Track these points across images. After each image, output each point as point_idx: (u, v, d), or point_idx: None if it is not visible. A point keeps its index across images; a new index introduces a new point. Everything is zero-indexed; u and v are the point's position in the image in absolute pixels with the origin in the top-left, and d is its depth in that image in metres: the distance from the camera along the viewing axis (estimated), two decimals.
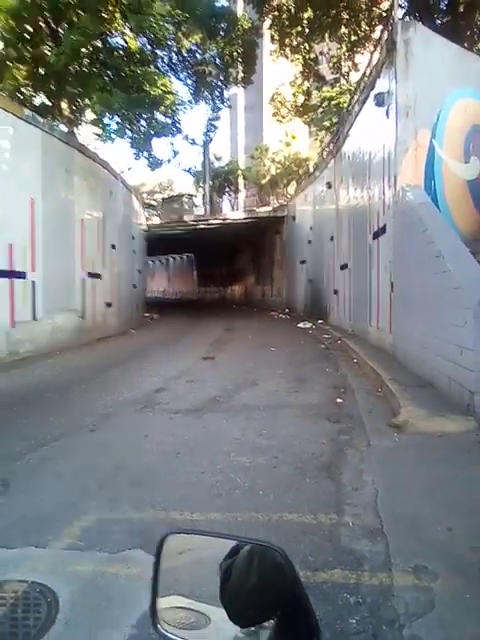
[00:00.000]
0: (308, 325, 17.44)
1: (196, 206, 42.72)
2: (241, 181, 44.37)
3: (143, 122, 16.05)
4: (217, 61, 20.69)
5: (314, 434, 5.20)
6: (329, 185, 17.18)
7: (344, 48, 20.76)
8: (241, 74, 21.90)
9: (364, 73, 13.53)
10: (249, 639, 0.82)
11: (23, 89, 17.82)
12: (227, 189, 44.13)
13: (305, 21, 19.42)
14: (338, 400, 6.71)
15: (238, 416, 6.03)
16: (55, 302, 12.93)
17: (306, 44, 20.90)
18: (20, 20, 14.38)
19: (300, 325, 17.68)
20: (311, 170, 24.14)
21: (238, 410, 6.36)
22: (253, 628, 0.82)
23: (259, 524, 3.20)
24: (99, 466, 4.33)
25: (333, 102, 26.00)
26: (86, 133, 22.01)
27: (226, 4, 21.29)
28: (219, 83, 21.47)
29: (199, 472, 4.14)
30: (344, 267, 15.03)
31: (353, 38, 20.05)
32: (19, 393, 7.52)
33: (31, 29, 15.13)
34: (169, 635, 0.81)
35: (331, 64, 22.61)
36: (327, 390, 7.41)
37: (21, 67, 16.78)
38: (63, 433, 5.32)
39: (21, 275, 11.45)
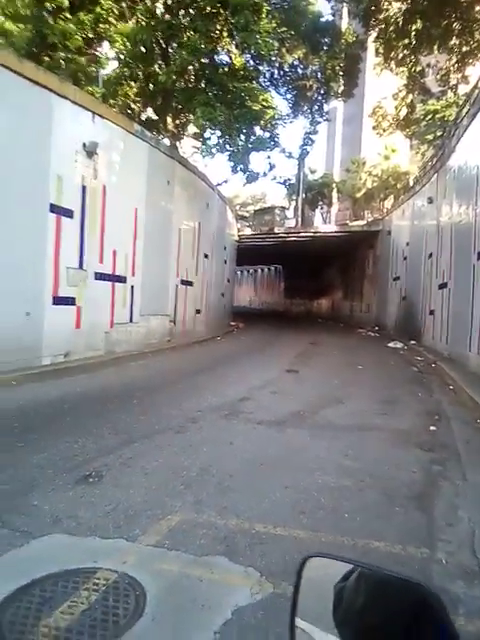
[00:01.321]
0: (399, 345, 16.70)
1: (287, 218, 42.90)
2: (335, 194, 43.87)
3: (242, 136, 16.46)
4: (319, 75, 20.72)
5: (404, 461, 4.94)
6: (431, 200, 16.42)
7: (454, 59, 19.83)
8: (342, 88, 21.74)
9: (476, 85, 12.81)
10: None
11: (133, 105, 19.17)
12: (320, 202, 43.83)
13: (413, 33, 18.84)
14: (431, 428, 6.32)
15: (322, 434, 5.90)
16: (150, 306, 13.62)
17: (412, 56, 20.26)
18: (136, 42, 15.47)
19: (390, 344, 16.99)
20: (411, 184, 23.25)
21: (322, 427, 6.23)
22: None
23: (344, 548, 3.08)
24: (185, 467, 4.44)
25: (438, 115, 24.91)
26: (187, 146, 23.14)
27: (331, 19, 21.22)
28: (319, 97, 21.47)
29: (282, 487, 4.10)
30: (443, 286, 14.23)
31: (464, 49, 19.10)
32: (113, 390, 7.98)
33: (144, 50, 16.19)
34: None
35: (438, 76, 21.70)
36: (419, 416, 7.01)
37: (133, 85, 18.04)
38: (152, 432, 5.54)
39: (122, 279, 12.21)
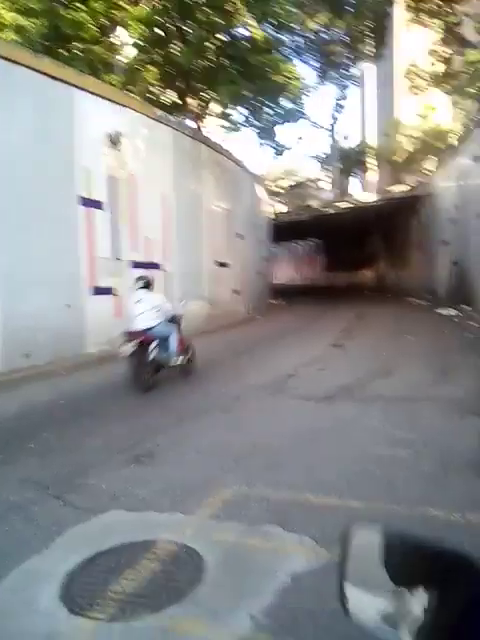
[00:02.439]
0: (452, 312, 16.05)
1: (324, 190, 41.95)
2: (372, 161, 42.36)
3: (268, 110, 16.10)
4: (345, 38, 19.88)
5: (460, 430, 4.79)
6: (476, 158, 15.55)
7: None
8: (371, 49, 20.79)
9: None
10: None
11: (153, 89, 19.05)
12: (356, 170, 42.49)
13: None
14: None
15: (373, 406, 5.80)
16: (186, 290, 13.73)
17: (447, 6, 19.06)
18: (151, 26, 15.28)
19: (442, 312, 16.37)
20: (455, 143, 22.11)
21: (372, 400, 6.12)
22: None
23: (400, 517, 3.04)
24: (235, 444, 4.50)
25: None
26: (211, 125, 22.87)
27: None
28: (347, 61, 20.62)
29: (334, 459, 4.09)
30: None
31: None
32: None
33: (161, 32, 15.95)
34: (357, 617, 0.82)
35: (477, 24, 20.34)
36: (476, 384, 6.74)
37: (152, 69, 17.90)
38: (201, 411, 5.64)
39: (156, 266, 12.34)
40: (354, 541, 0.87)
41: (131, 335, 6.60)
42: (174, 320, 7.26)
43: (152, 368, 6.71)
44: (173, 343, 7.02)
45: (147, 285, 7.26)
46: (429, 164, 33.08)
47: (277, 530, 2.87)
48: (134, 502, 3.34)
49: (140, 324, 6.77)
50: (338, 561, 0.86)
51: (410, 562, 0.81)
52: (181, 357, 7.19)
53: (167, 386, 7.06)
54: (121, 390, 6.85)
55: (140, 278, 7.43)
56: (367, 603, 0.84)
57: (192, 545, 2.72)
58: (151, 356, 6.61)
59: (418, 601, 0.78)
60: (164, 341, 6.91)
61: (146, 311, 6.87)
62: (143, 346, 6.48)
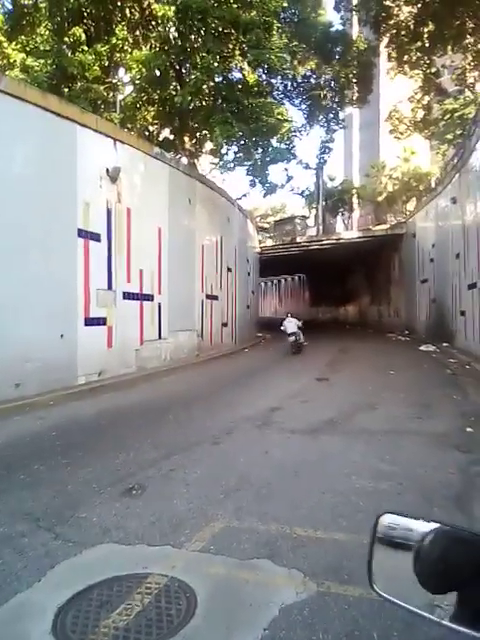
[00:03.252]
0: (431, 348, 16.48)
1: (308, 227, 42.94)
2: (355, 200, 43.72)
3: (259, 150, 16.74)
4: (332, 84, 20.92)
5: (441, 463, 4.94)
6: (454, 200, 16.28)
7: (469, 58, 19.76)
8: (357, 95, 21.88)
9: None
10: (442, 605, 0.91)
11: (151, 127, 19.75)
12: (340, 209, 43.75)
13: (425, 35, 18.89)
14: (468, 429, 6.26)
15: (357, 440, 5.94)
16: (177, 322, 13.89)
17: (426, 58, 20.28)
18: (151, 68, 16.00)
19: (422, 348, 16.78)
20: (433, 185, 23.06)
21: (357, 434, 6.25)
22: (443, 595, 0.91)
23: None
24: (223, 477, 4.56)
25: (456, 114, 24.69)
26: (204, 163, 23.59)
27: (341, 28, 21.45)
28: (334, 105, 21.63)
29: (319, 492, 4.17)
30: (472, 286, 14.04)
31: None
32: (149, 406, 8.19)
33: (159, 74, 16.71)
34: (383, 594, 0.94)
35: (454, 76, 21.63)
36: (455, 418, 6.96)
37: (150, 108, 18.60)
38: (190, 444, 5.69)
39: (149, 298, 12.52)
40: (381, 525, 1.01)
41: (288, 334, 16.21)
42: (300, 327, 16.67)
43: (297, 345, 16.29)
44: (301, 336, 16.59)
45: (289, 314, 17.47)
46: (410, 205, 34.29)
47: (267, 563, 2.94)
48: (125, 535, 3.37)
49: (290, 329, 16.30)
50: (370, 540, 0.99)
51: (440, 546, 0.93)
52: (304, 341, 16.78)
53: (158, 419, 7.10)
54: (112, 422, 6.88)
55: (289, 313, 17.84)
56: (393, 582, 0.97)
57: (184, 578, 2.77)
58: (297, 339, 16.25)
59: (443, 580, 0.91)
60: (299, 335, 16.42)
61: (293, 323, 16.47)
62: (293, 337, 16.13)
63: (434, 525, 0.97)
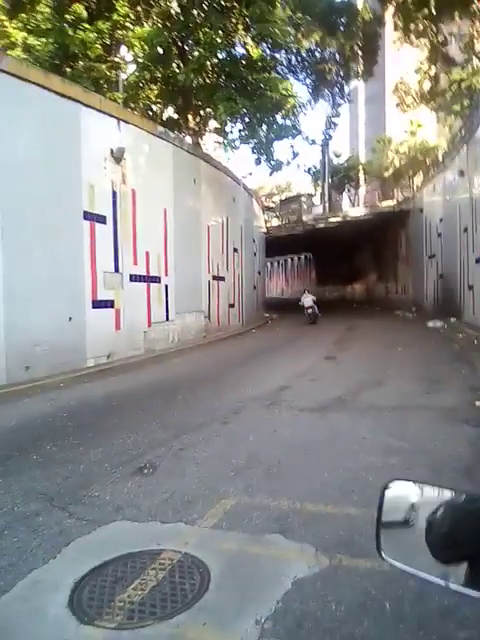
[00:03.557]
0: (439, 324, 16.37)
1: (314, 205, 42.46)
2: (362, 176, 43.03)
3: (264, 126, 16.45)
4: (337, 57, 20.39)
5: (451, 437, 4.94)
6: (462, 173, 15.96)
7: (477, 25, 19.14)
8: (362, 67, 21.32)
9: None
10: (451, 573, 0.91)
11: (154, 106, 19.43)
12: (347, 185, 43.12)
13: (432, 2, 18.28)
14: (477, 403, 6.25)
15: (365, 416, 5.95)
16: (184, 304, 13.88)
17: (433, 26, 19.68)
18: (153, 45, 15.67)
19: (430, 324, 16.68)
20: (440, 159, 22.61)
21: (365, 410, 6.26)
22: (454, 564, 0.90)
23: None
24: (233, 455, 4.59)
25: (464, 84, 24.06)
26: (209, 142, 23.26)
27: None
28: (339, 79, 21.12)
29: (329, 468, 4.20)
30: None
31: None
32: (157, 387, 8.24)
33: (162, 51, 16.38)
34: (390, 561, 0.94)
35: (462, 44, 20.99)
36: (463, 392, 6.94)
37: (153, 87, 18.28)
38: (199, 424, 5.72)
39: (156, 279, 12.50)
40: (389, 493, 1.00)
41: (306, 307, 19.53)
42: (314, 302, 19.63)
43: (314, 316, 19.43)
44: (316, 308, 19.56)
45: (306, 291, 20.94)
46: (417, 179, 33.71)
47: (278, 538, 2.98)
48: (138, 513, 3.42)
49: (308, 303, 19.47)
50: (376, 514, 0.98)
51: (452, 512, 0.92)
52: (318, 313, 19.56)
53: (167, 399, 7.15)
54: (121, 403, 6.94)
55: (306, 290, 21.49)
56: (402, 549, 0.96)
57: (197, 554, 2.81)
58: (313, 311, 19.48)
59: (456, 550, 0.90)
60: (314, 308, 19.47)
61: (309, 299, 19.59)
62: (310, 309, 19.48)
63: (443, 491, 0.97)
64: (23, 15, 15.39)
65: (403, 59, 25.79)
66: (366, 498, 3.51)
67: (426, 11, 19.00)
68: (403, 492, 1.01)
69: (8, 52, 12.77)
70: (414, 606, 2.30)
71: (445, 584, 0.90)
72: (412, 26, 20.12)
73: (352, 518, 3.22)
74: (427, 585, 0.94)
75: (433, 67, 22.74)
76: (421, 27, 20.22)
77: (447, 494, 0.96)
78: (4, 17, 15.38)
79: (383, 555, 0.98)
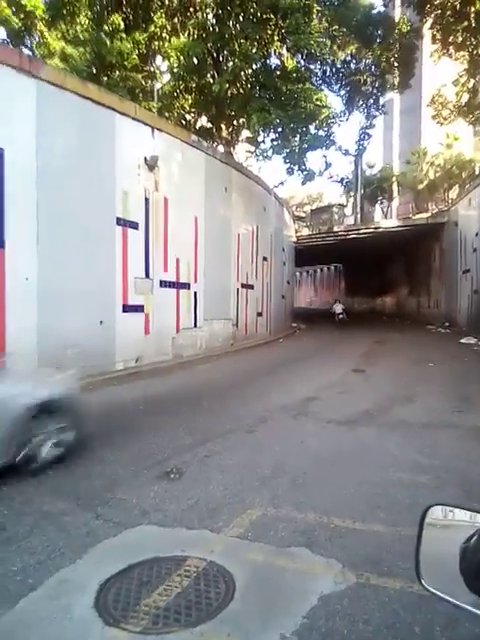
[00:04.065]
0: (472, 340, 15.95)
1: (346, 216, 42.20)
2: (395, 188, 42.56)
3: (297, 137, 16.48)
4: (373, 69, 20.30)
5: None
6: None
7: None
8: (398, 79, 21.15)
9: None
10: None
11: (187, 115, 19.75)
12: (379, 197, 42.71)
13: (472, 15, 18.02)
14: None
15: (394, 432, 5.83)
16: (213, 311, 13.96)
17: (472, 39, 19.36)
18: (189, 56, 15.96)
19: (463, 340, 16.27)
20: (477, 172, 22.16)
21: (394, 425, 6.14)
22: None
23: None
24: (259, 464, 4.56)
25: None
26: (241, 151, 23.45)
27: (383, 10, 20.71)
28: (374, 91, 21.00)
29: (356, 483, 4.12)
30: None
31: None
32: (185, 393, 8.29)
33: (197, 62, 16.65)
34: (431, 589, 0.92)
35: None
36: None
37: (187, 96, 18.59)
38: (225, 431, 5.72)
39: (186, 286, 12.62)
40: (429, 517, 0.98)
41: (337, 313, 25.38)
42: (344, 309, 25.97)
43: (342, 321, 24.77)
44: (345, 315, 25.55)
45: (337, 301, 27.69)
46: (452, 193, 33.12)
47: (304, 552, 2.94)
48: (164, 518, 3.43)
49: (338, 310, 25.52)
50: (416, 539, 0.96)
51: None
52: (346, 318, 25.30)
53: (193, 405, 7.18)
54: (149, 407, 7.00)
55: (337, 300, 28.16)
56: (439, 574, 0.94)
57: (222, 563, 2.79)
58: (342, 317, 25.17)
59: None
60: (344, 314, 25.53)
61: (339, 306, 25.88)
62: (341, 315, 25.35)
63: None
64: (63, 25, 15.92)
65: (440, 71, 25.44)
66: (394, 515, 3.44)
67: (465, 23, 18.74)
68: (444, 517, 0.99)
69: (47, 61, 13.23)
70: (445, 632, 2.22)
71: None
72: (451, 38, 19.85)
73: (380, 535, 3.15)
74: (467, 615, 0.90)
75: (471, 80, 22.34)
76: (460, 39, 19.92)
77: None
78: (44, 27, 15.95)
79: (423, 583, 0.95)
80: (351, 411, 6.80)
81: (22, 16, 15.41)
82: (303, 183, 18.80)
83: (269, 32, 16.57)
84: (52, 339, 8.26)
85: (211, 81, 16.94)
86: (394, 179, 42.12)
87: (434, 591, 0.92)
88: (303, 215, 46.46)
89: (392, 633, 2.22)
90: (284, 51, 17.91)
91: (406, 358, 12.84)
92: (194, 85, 17.66)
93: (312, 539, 3.09)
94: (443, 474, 4.30)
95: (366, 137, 22.06)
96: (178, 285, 12.29)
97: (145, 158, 10.85)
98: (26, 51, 15.49)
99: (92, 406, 6.98)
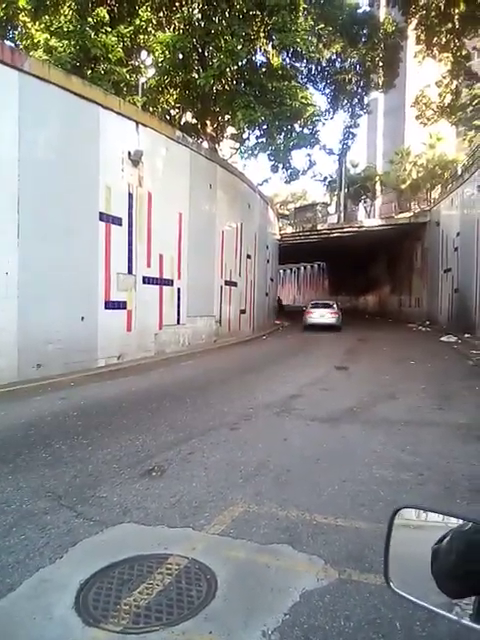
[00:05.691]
0: (453, 339, 16.22)
1: (329, 214, 42.46)
2: (378, 187, 42.96)
3: (282, 135, 16.48)
4: (358, 68, 20.42)
5: (464, 454, 4.85)
6: None
7: None
8: (382, 79, 21.32)
9: None
10: (461, 603, 0.88)
11: (172, 111, 19.58)
12: (363, 196, 43.05)
13: (456, 17, 18.25)
14: None
15: (377, 429, 5.87)
16: (196, 308, 13.91)
17: (456, 40, 19.62)
18: (174, 50, 15.80)
19: (443, 338, 16.53)
20: (459, 172, 22.48)
21: (376, 423, 6.19)
22: (465, 600, 0.87)
23: None
24: (242, 462, 4.55)
25: None
26: (226, 148, 23.36)
27: (368, 9, 20.83)
28: (359, 90, 21.14)
29: (340, 480, 4.14)
30: None
31: None
32: (167, 390, 8.23)
33: (182, 57, 16.50)
34: (399, 592, 0.90)
35: None
36: (477, 409, 6.86)
37: (172, 92, 18.42)
38: (208, 429, 5.69)
39: (169, 283, 12.54)
40: (398, 519, 0.96)
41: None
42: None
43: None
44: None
45: (326, 304, 22.62)
46: (434, 192, 33.55)
47: (287, 549, 2.93)
48: (145, 516, 3.40)
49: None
50: (385, 541, 0.94)
51: (459, 542, 0.87)
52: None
53: (176, 402, 7.14)
54: (131, 404, 6.94)
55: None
56: (409, 577, 0.92)
57: (204, 561, 2.77)
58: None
59: (462, 585, 0.86)
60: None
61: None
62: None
63: (454, 520, 0.92)
64: (46, 17, 15.61)
65: (424, 72, 25.72)
66: (377, 512, 3.46)
67: (450, 25, 18.97)
68: (413, 518, 0.98)
69: (31, 53, 12.97)
70: (425, 627, 2.24)
71: (454, 618, 0.86)
72: (435, 40, 20.08)
73: (362, 532, 3.17)
74: (440, 617, 0.89)
75: (454, 81, 22.64)
76: (444, 41, 20.17)
77: (454, 522, 0.91)
78: (28, 19, 15.63)
79: (392, 586, 0.94)
80: (334, 408, 6.84)
81: (4, 6, 15.07)
82: (288, 181, 18.87)
83: (255, 29, 16.51)
84: (33, 335, 8.13)
85: (196, 76, 16.81)
86: (377, 178, 42.52)
87: (404, 594, 0.91)
88: (287, 213, 46.62)
89: (373, 628, 2.23)
90: (270, 48, 17.89)
91: (388, 356, 12.98)
92: (179, 80, 17.50)
93: (295, 536, 3.09)
94: (426, 471, 4.34)
95: (350, 136, 22.23)
96: (161, 281, 12.22)
97: (129, 153, 10.74)
98: (8, 43, 15.15)
99: (74, 403, 6.92)
